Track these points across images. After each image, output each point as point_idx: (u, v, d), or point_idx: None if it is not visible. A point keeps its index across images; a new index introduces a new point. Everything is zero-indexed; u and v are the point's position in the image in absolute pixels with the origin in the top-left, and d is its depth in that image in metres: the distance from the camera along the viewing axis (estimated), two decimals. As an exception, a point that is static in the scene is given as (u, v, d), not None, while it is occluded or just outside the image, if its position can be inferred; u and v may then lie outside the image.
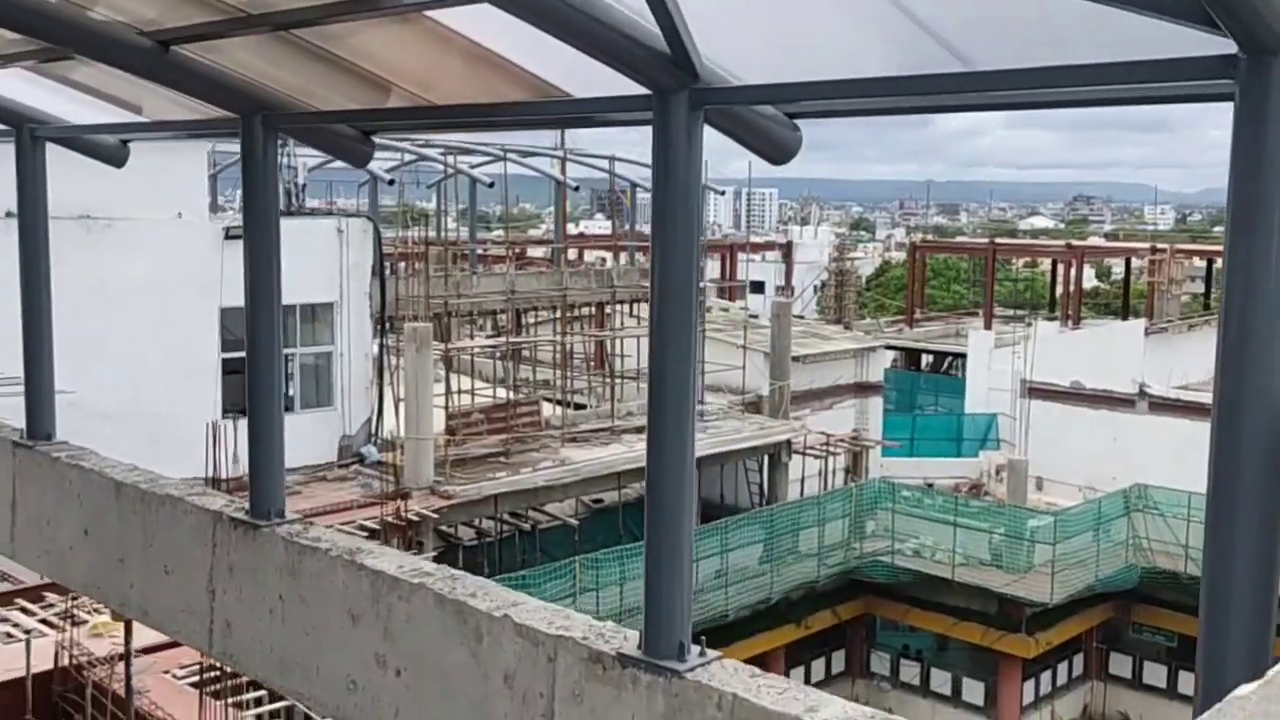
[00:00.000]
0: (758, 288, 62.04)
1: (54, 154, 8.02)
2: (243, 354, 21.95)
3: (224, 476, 22.23)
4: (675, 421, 4.40)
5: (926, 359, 50.79)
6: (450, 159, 26.42)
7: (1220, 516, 3.11)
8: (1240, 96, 2.95)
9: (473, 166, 28.61)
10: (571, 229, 60.44)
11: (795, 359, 31.06)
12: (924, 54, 3.88)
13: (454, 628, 5.07)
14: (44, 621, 15.94)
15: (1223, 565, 3.11)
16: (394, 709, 5.38)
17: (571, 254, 40.99)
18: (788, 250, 55.87)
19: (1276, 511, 3.02)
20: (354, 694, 5.57)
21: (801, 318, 47.06)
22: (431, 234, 32.21)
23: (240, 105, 5.87)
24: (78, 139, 7.67)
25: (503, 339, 25.28)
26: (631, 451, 25.03)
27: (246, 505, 6.25)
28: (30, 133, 7.62)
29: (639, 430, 26.73)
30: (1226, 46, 2.94)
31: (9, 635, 15.40)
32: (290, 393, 24.41)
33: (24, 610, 16.45)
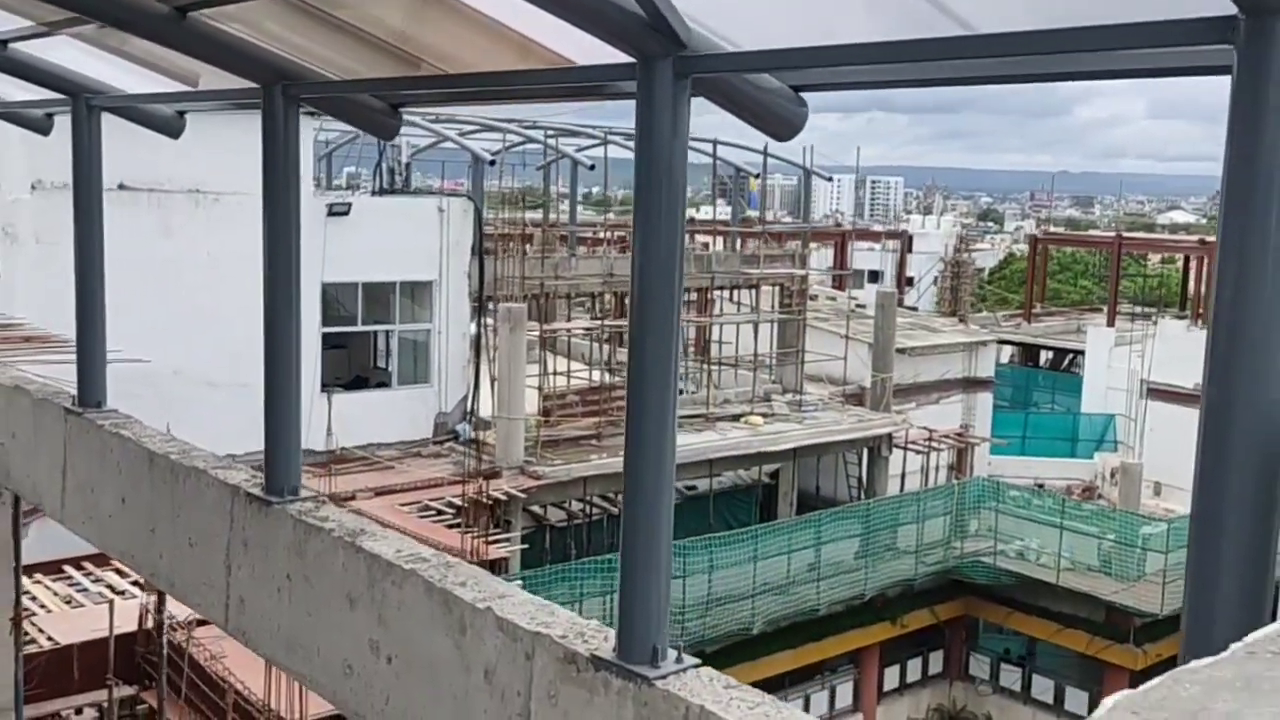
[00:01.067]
0: (875, 277, 60.90)
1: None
2: (344, 328, 22.18)
3: (324, 449, 22.75)
4: (655, 413, 4.13)
5: (1046, 356, 49.13)
6: (553, 141, 26.40)
7: (1204, 538, 2.73)
8: (1238, 64, 2.56)
9: (579, 150, 28.53)
10: (692, 214, 59.96)
11: (900, 351, 30.31)
12: (926, 23, 3.55)
13: (440, 618, 4.91)
14: (135, 583, 16.43)
15: (1205, 596, 2.72)
16: (385, 696, 5.25)
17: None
18: (902, 240, 54.59)
19: (1266, 536, 2.63)
20: (349, 679, 5.45)
21: (914, 309, 46.01)
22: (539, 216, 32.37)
23: (260, 75, 5.77)
24: (134, 109, 7.69)
25: (597, 321, 25.17)
26: (724, 439, 24.74)
27: (263, 481, 6.18)
28: (86, 102, 7.68)
29: (735, 418, 26.42)
30: (1226, 9, 2.55)
31: (101, 595, 15.91)
32: (388, 368, 24.78)
33: (118, 571, 16.99)
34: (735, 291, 28.43)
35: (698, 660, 4.19)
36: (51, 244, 20.12)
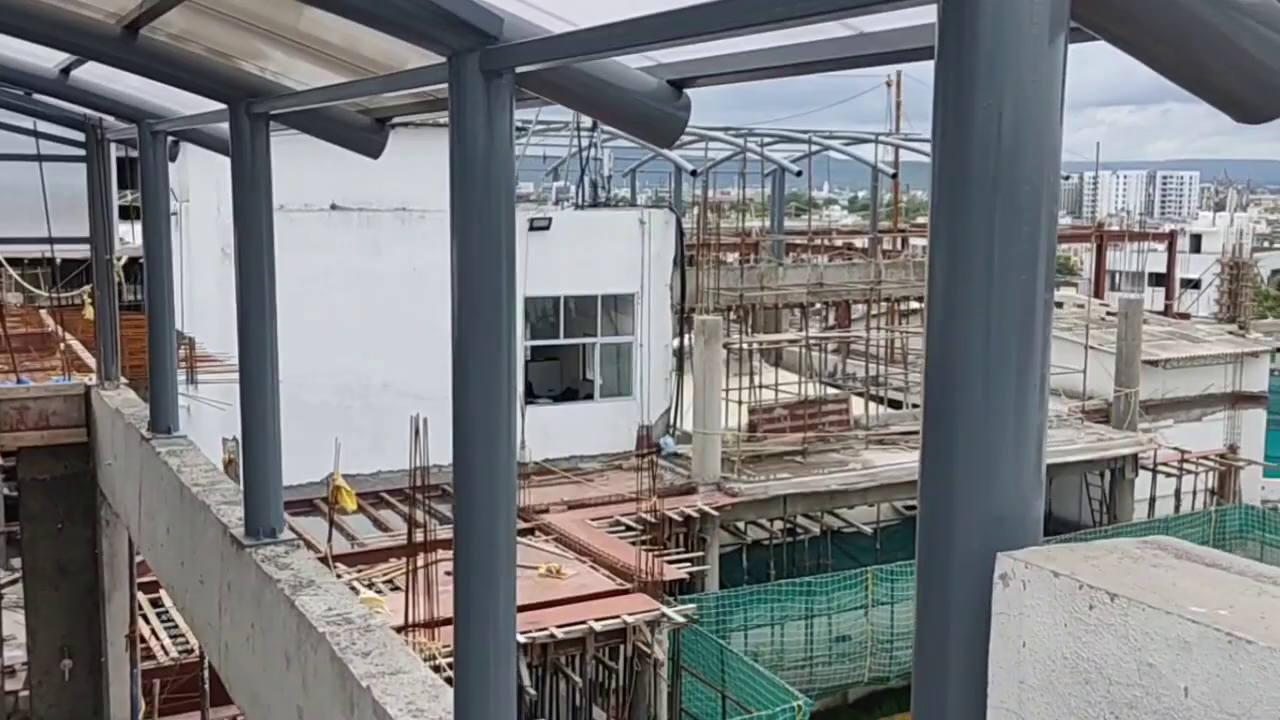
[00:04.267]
0: (1159, 280, 56.47)
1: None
2: (549, 341, 22.00)
3: (523, 461, 22.89)
4: (484, 452, 3.45)
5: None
6: (763, 149, 25.63)
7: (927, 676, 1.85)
8: (940, 28, 1.67)
9: (797, 160, 27.54)
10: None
11: (1153, 363, 27.60)
12: None
13: (338, 692, 4.39)
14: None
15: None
16: (306, 771, 4.78)
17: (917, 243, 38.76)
18: (1170, 239, 50.27)
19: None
20: (286, 745, 5.02)
21: (1186, 316, 42.12)
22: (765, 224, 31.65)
23: (223, 92, 5.45)
24: (194, 131, 7.62)
25: (801, 333, 24.16)
26: (941, 458, 23.15)
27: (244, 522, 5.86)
28: (149, 128, 7.67)
29: (956, 435, 24.73)
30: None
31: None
32: (589, 378, 24.72)
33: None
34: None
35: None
36: (266, 263, 21.25)
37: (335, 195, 21.36)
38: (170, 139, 8.62)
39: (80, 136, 9.73)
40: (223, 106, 6.85)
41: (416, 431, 12.67)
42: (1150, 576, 1.71)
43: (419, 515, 14.57)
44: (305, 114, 5.72)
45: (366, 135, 5.63)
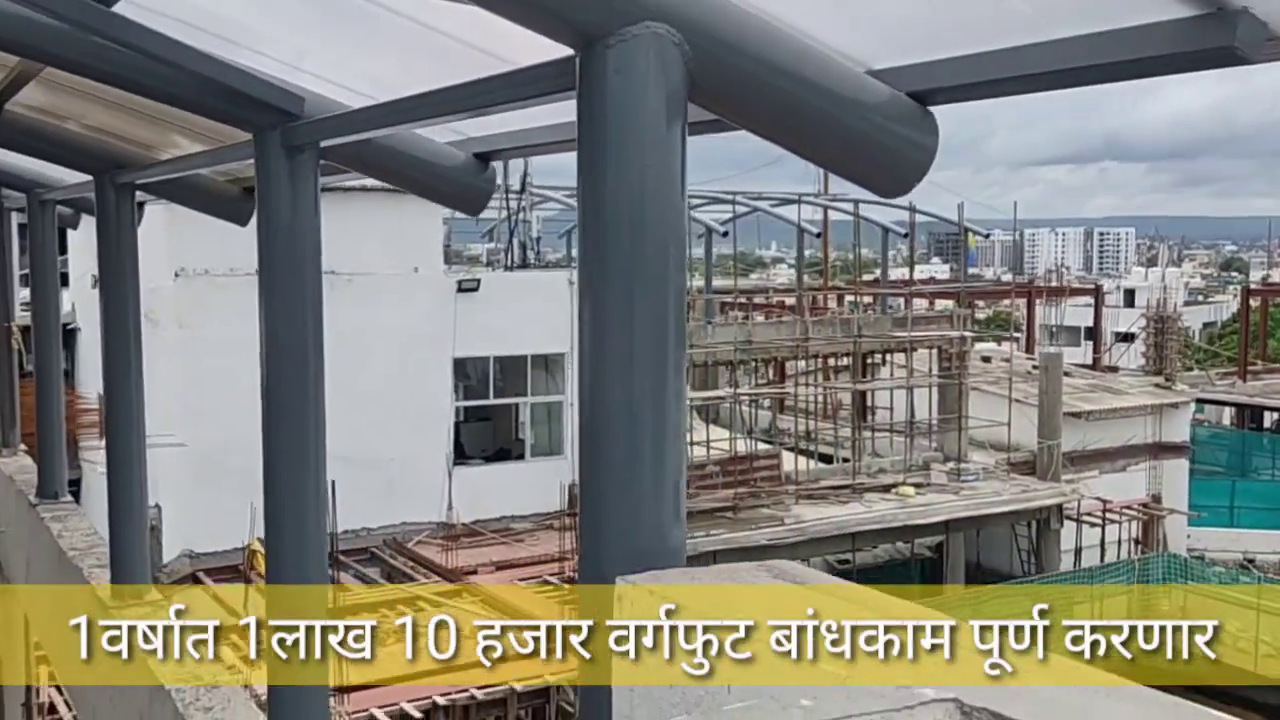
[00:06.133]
0: (1091, 335, 57.67)
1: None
2: (479, 402, 21.85)
3: (451, 522, 22.86)
4: (292, 519, 3.58)
5: (1271, 417, 44.91)
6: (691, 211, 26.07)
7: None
8: (579, 117, 1.87)
9: (724, 221, 28.05)
10: (905, 274, 57.94)
11: (1076, 415, 28.14)
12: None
13: (180, 750, 4.46)
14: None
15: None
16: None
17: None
18: (1096, 294, 51.47)
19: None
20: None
21: (1114, 369, 43.00)
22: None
23: (89, 164, 5.58)
24: (82, 199, 7.72)
25: (729, 390, 24.46)
26: (870, 512, 23.43)
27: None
28: (38, 197, 7.77)
29: (885, 489, 25.05)
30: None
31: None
32: (522, 438, 24.78)
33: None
34: (892, 355, 27.15)
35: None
36: (192, 328, 21.19)
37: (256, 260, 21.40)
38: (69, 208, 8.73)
39: (-21, 205, 9.77)
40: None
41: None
42: (728, 593, 1.88)
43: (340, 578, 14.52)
44: (171, 184, 5.87)
45: (234, 204, 5.78)
